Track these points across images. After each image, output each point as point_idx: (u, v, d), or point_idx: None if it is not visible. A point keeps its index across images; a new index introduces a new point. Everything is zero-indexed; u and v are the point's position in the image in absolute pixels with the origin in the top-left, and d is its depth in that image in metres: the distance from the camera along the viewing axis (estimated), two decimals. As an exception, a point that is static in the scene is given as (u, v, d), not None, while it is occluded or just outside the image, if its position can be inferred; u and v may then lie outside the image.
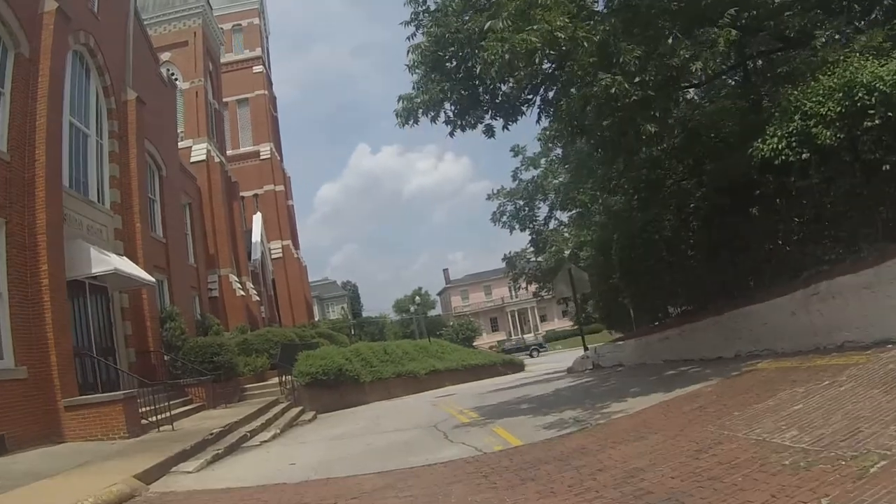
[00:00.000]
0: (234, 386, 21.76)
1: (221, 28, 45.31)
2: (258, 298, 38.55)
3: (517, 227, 31.27)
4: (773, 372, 10.42)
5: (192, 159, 34.01)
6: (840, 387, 7.69)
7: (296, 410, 19.65)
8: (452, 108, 13.75)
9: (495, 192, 31.94)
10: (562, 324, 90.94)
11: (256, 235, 42.78)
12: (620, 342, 21.63)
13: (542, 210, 31.69)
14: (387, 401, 24.64)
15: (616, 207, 20.63)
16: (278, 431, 15.22)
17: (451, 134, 13.95)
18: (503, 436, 9.98)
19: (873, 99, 10.07)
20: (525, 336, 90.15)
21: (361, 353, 26.90)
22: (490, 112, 14.17)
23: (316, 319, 75.92)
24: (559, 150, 26.53)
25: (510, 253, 34.30)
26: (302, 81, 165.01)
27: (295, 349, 24.27)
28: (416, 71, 13.56)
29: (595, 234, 26.37)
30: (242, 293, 34.67)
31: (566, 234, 29.77)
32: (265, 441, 13.85)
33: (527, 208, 31.10)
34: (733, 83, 17.44)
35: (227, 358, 21.07)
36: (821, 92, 10.87)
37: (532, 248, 32.54)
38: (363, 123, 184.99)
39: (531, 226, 31.30)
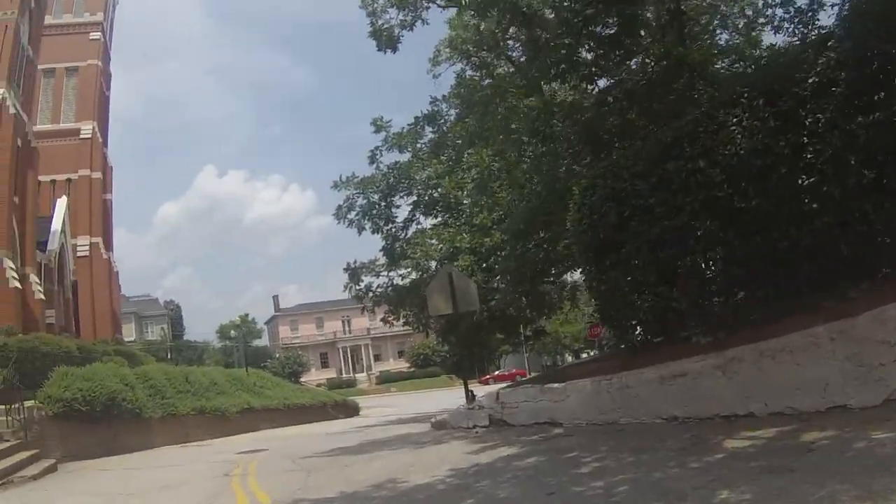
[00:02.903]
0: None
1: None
2: (43, 297, 29.71)
3: (368, 227, 23.84)
4: None
5: (-20, 104, 25.46)
6: None
7: (25, 455, 12.34)
8: None
9: (344, 179, 23.91)
10: (398, 364, 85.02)
11: (57, 223, 33.82)
12: (554, 385, 11.84)
13: (403, 211, 24.77)
14: (178, 447, 17.63)
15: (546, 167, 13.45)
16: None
17: None
18: None
19: None
20: (357, 375, 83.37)
21: (151, 379, 19.43)
22: None
23: (131, 337, 66.25)
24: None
25: (355, 263, 25.61)
26: (152, 95, 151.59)
27: (52, 363, 16.59)
28: None
29: (475, 229, 20.37)
30: (18, 285, 26.09)
31: (433, 242, 22.89)
32: None
33: (383, 203, 23.85)
34: None
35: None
36: None
37: (385, 259, 24.78)
38: (214, 144, 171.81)
39: (387, 228, 24.12)
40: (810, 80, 7.52)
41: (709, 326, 8.81)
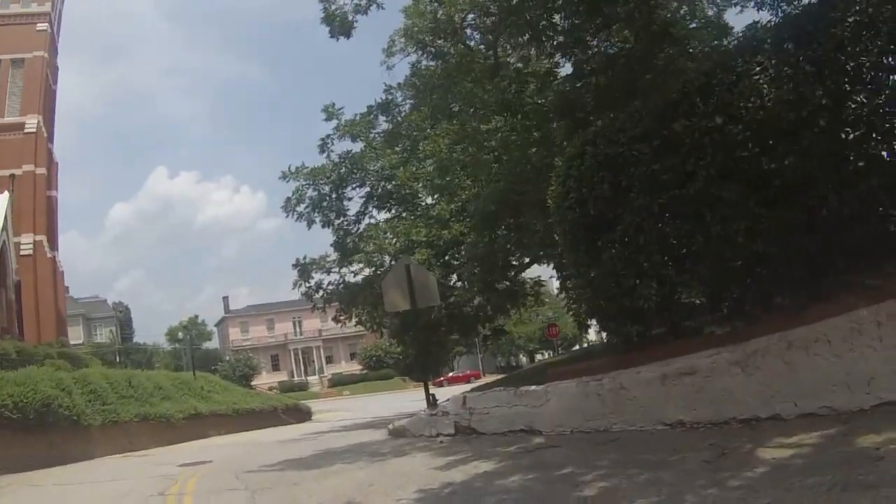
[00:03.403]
0: None
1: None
2: (-19, 297, 28.07)
3: (318, 220, 22.57)
4: None
5: None
6: None
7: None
8: None
9: (293, 170, 22.42)
10: (350, 367, 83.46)
11: (-2, 220, 32.10)
12: (532, 387, 10.30)
13: (355, 204, 23.59)
14: (119, 457, 16.40)
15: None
16: None
17: None
18: None
19: None
20: (309, 378, 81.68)
21: (91, 384, 18.05)
22: None
23: (79, 340, 63.45)
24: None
25: (304, 258, 24.07)
26: (107, 95, 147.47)
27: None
28: None
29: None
30: (-47, 286, 24.45)
31: (387, 235, 21.74)
32: None
33: (334, 195, 22.55)
34: None
35: None
36: None
37: (336, 255, 23.51)
38: (165, 145, 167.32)
39: (338, 222, 22.88)
40: (850, 20, 6.37)
41: (725, 315, 7.66)
